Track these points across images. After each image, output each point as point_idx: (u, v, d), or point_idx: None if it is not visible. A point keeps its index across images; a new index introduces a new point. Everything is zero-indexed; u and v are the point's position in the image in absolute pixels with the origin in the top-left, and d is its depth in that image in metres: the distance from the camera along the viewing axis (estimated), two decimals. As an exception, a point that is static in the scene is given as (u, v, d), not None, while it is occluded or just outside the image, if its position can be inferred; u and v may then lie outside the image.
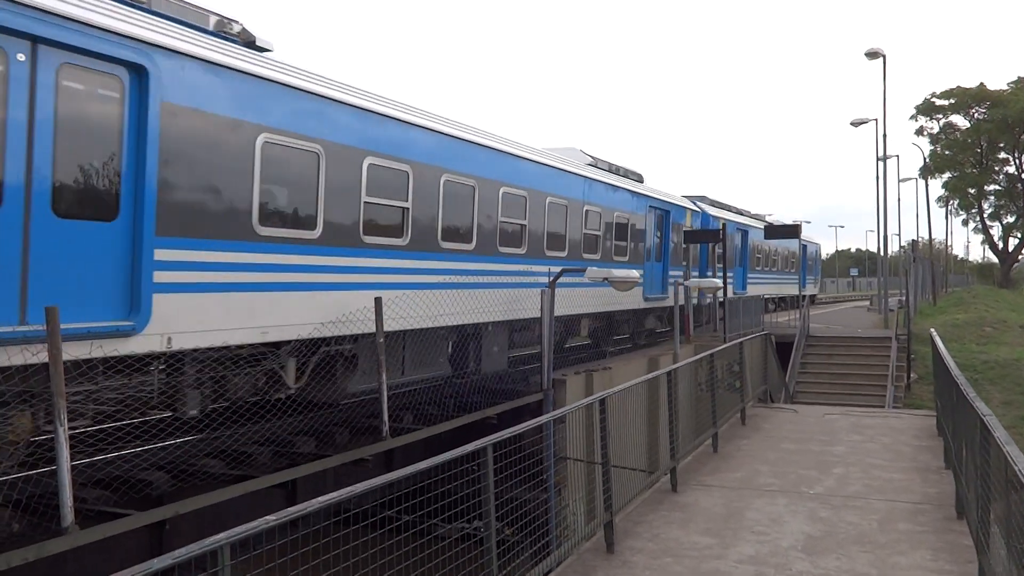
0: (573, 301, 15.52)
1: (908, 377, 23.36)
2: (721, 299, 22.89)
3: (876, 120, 35.17)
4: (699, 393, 12.69)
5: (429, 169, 11.42)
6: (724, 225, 24.26)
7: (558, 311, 13.86)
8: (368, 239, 10.14)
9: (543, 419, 8.08)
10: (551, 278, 13.58)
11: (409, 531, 6.31)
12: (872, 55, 30.13)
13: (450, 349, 12.72)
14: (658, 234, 21.46)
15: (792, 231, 29.02)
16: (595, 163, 18.08)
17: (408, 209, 10.94)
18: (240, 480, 7.92)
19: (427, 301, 11.16)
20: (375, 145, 10.25)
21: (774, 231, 30.14)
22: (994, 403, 19.11)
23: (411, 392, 11.33)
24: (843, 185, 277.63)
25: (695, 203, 25.42)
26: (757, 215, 34.74)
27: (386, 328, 9.83)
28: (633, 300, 18.94)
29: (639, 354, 19.65)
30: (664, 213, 21.79)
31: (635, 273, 14.80)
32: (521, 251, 14.13)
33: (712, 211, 26.41)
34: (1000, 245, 69.76)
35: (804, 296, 29.76)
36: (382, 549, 5.63)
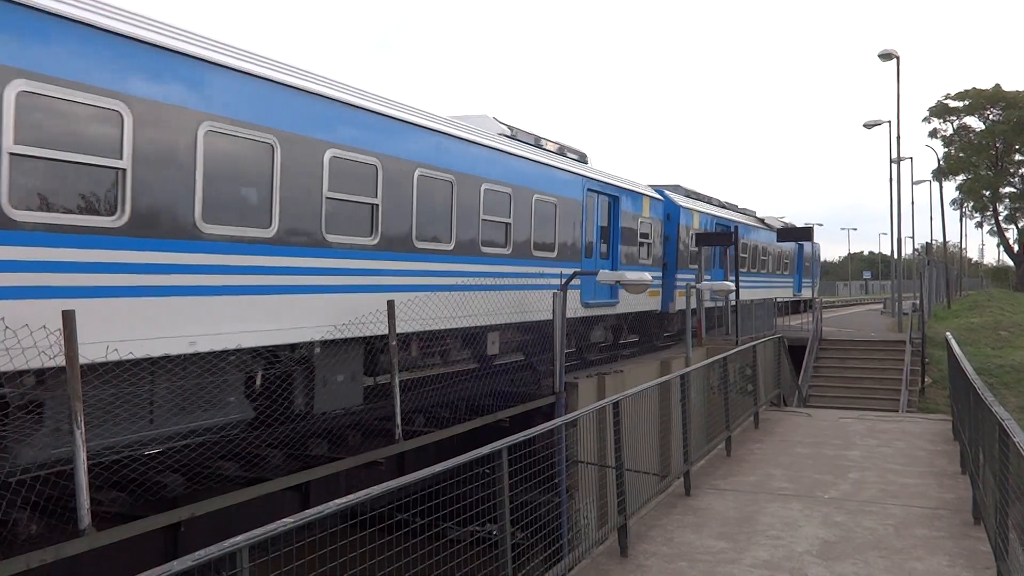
0: (438, 309, 11.38)
1: (922, 381, 23.25)
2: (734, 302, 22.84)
3: (889, 122, 35.09)
4: (712, 396, 12.67)
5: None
6: (736, 228, 24.15)
7: (418, 324, 11.00)
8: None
9: (556, 422, 8.10)
10: (563, 280, 13.55)
11: (423, 534, 6.32)
12: (886, 56, 30.03)
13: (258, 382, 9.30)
14: (603, 225, 17.80)
15: (805, 234, 28.94)
16: (512, 134, 14.72)
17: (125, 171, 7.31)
18: (254, 483, 7.97)
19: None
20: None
21: (787, 234, 30.03)
22: (1010, 407, 18.99)
23: (423, 395, 11.36)
24: (856, 187, 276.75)
25: (661, 191, 21.84)
26: (746, 210, 31.39)
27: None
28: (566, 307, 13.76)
29: (651, 357, 19.63)
30: (611, 199, 18.08)
31: (648, 276, 14.69)
32: (371, 242, 10.39)
33: (683, 202, 22.96)
34: (1016, 248, 69.35)
35: (817, 300, 29.23)
36: (397, 552, 5.65)
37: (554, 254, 15.16)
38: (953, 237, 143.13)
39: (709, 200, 26.54)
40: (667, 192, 22.35)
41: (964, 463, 11.20)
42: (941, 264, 45.75)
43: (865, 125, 36.25)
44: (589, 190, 16.97)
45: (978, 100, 63.19)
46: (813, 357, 23.88)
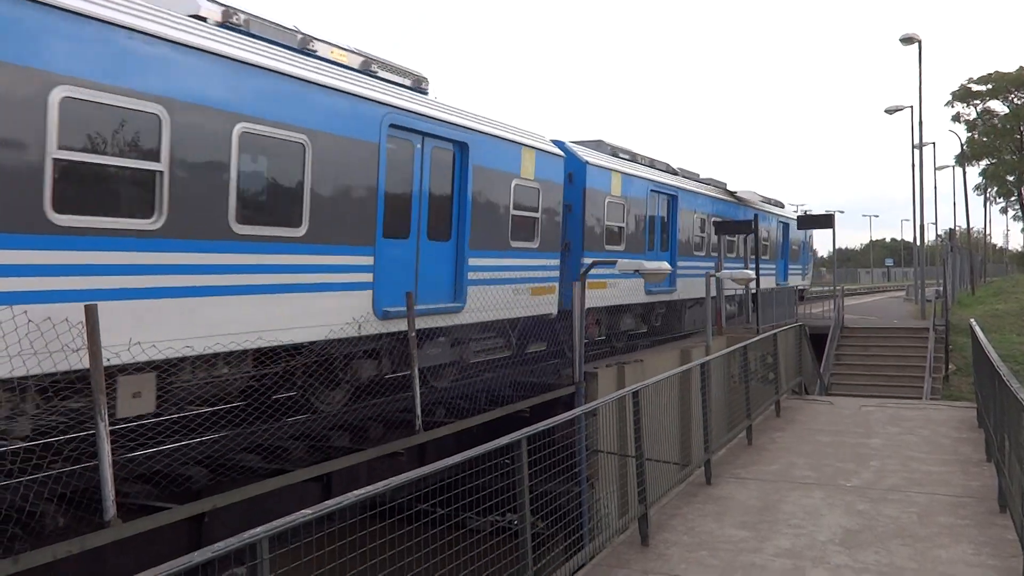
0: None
1: (946, 368, 22.96)
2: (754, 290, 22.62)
3: (911, 107, 34.53)
4: (732, 385, 12.57)
5: None
6: (756, 216, 23.79)
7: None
8: None
9: (575, 412, 8.07)
10: (583, 269, 13.50)
11: (443, 524, 6.32)
12: (907, 41, 29.59)
13: None
14: (445, 192, 11.44)
15: (825, 221, 28.58)
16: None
17: None
18: (276, 474, 8.00)
19: None
20: None
21: (807, 222, 29.70)
22: (1036, 394, 18.69)
23: (443, 387, 11.35)
24: (878, 174, 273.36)
25: (560, 144, 15.22)
26: (710, 180, 24.17)
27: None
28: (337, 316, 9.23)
29: (671, 346, 19.52)
30: (456, 148, 11.58)
31: (667, 265, 14.31)
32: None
33: (595, 159, 16.30)
34: (1040, 233, 68.26)
35: (840, 290, 28.35)
36: (417, 542, 5.65)
37: (329, 234, 9.12)
38: (977, 223, 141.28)
39: (634, 158, 18.83)
40: (571, 146, 15.65)
41: (989, 450, 11.04)
42: (965, 250, 45.14)
43: (887, 111, 35.80)
44: (392, 125, 10.18)
45: (1001, 83, 62.20)
46: (835, 345, 23.65)
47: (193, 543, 7.22)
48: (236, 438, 8.47)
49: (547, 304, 13.99)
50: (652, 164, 19.64)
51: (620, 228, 17.28)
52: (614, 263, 14.03)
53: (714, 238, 22.72)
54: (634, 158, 18.67)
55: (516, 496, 6.26)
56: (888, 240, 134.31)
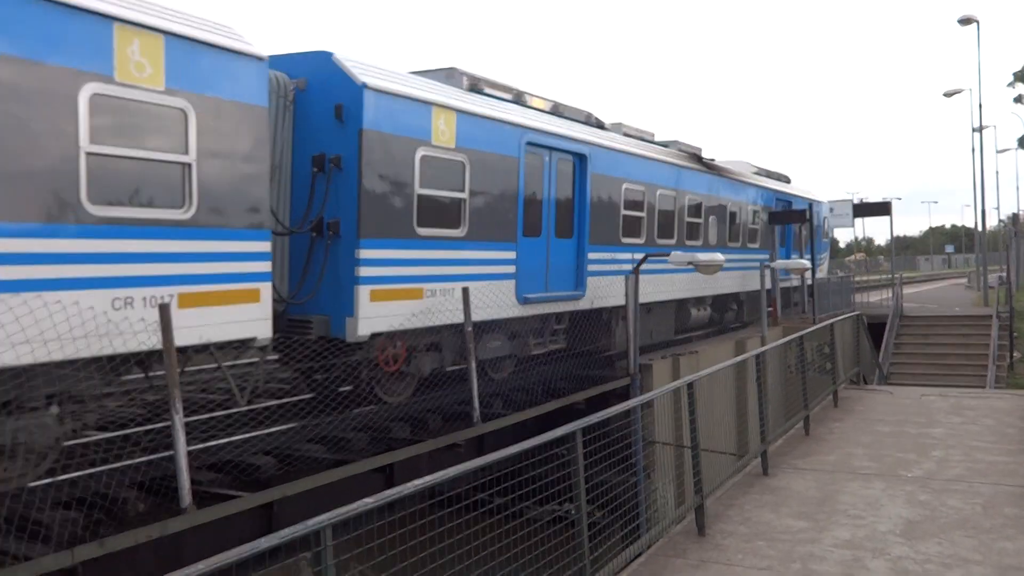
0: None
1: (1011, 356, 22.14)
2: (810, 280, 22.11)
3: (970, 90, 33.38)
4: (789, 376, 12.32)
5: None
6: (811, 205, 23.23)
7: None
8: None
9: (630, 403, 8.00)
10: (634, 264, 13.34)
11: (501, 513, 6.35)
12: (965, 21, 28.57)
13: None
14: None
15: (881, 209, 27.77)
16: None
17: None
18: (340, 464, 8.14)
19: None
20: None
21: (864, 209, 28.83)
22: (1106, 382, 17.91)
23: (500, 379, 11.39)
24: (937, 160, 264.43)
25: (324, 57, 9.37)
26: (675, 143, 17.89)
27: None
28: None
29: (726, 338, 19.22)
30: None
31: (721, 256, 13.61)
32: None
33: (389, 83, 9.48)
34: (1109, 217, 65.19)
35: (898, 278, 27.23)
36: (476, 531, 5.69)
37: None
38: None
39: (554, 109, 13.08)
40: (340, 62, 9.19)
41: (1057, 440, 10.61)
42: (1029, 236, 43.34)
43: (945, 94, 34.65)
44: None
45: (1067, 65, 59.43)
46: (894, 334, 23.02)
47: (263, 529, 7.38)
48: (302, 429, 8.64)
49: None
50: (557, 111, 13.04)
51: (455, 200, 10.38)
52: (666, 255, 13.65)
53: (689, 217, 17.01)
54: (520, 99, 12.28)
55: (573, 486, 6.25)
56: (948, 227, 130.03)
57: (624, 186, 14.32)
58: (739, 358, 10.90)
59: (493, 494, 5.93)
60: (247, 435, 8.15)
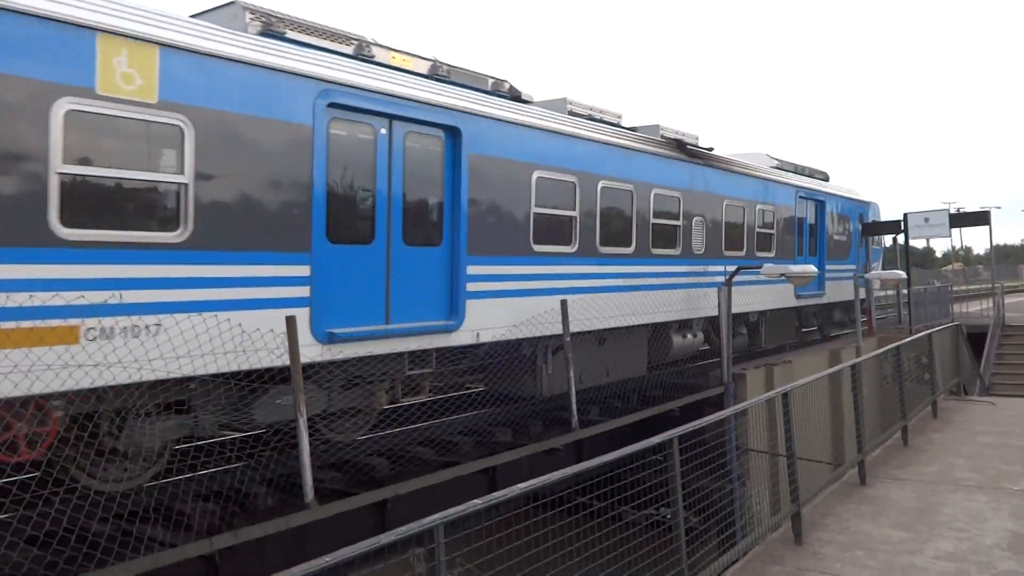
0: None
1: (1123, 368, 20.36)
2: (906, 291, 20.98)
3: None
4: (885, 386, 11.74)
5: None
6: (906, 216, 21.87)
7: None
8: None
9: (725, 412, 7.82)
10: (727, 275, 13.00)
11: (601, 517, 6.29)
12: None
13: None
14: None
15: (980, 219, 26.00)
16: None
17: None
18: (447, 466, 8.26)
19: None
20: None
21: (961, 220, 26.96)
22: None
23: (597, 387, 11.30)
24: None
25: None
26: (646, 131, 13.21)
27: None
28: None
29: (820, 348, 18.49)
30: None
31: (812, 267, 13.02)
32: None
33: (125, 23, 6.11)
34: None
35: (999, 287, 24.97)
36: (577, 533, 5.66)
37: None
38: None
39: (361, 51, 8.55)
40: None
41: None
42: None
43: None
44: None
45: None
46: (995, 344, 21.54)
47: (376, 525, 7.57)
48: (413, 432, 8.83)
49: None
50: (440, 75, 9.37)
51: (160, 188, 6.57)
52: (758, 267, 13.16)
53: (655, 218, 12.35)
54: (364, 52, 8.53)
55: (669, 492, 6.14)
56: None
57: (536, 175, 9.95)
58: (833, 368, 10.47)
59: (593, 498, 5.89)
60: (363, 436, 8.37)
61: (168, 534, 6.11)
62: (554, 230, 10.36)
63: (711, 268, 13.69)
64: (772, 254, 15.92)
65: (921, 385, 13.62)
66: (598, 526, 5.90)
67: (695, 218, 13.34)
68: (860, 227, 20.90)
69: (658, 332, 12.66)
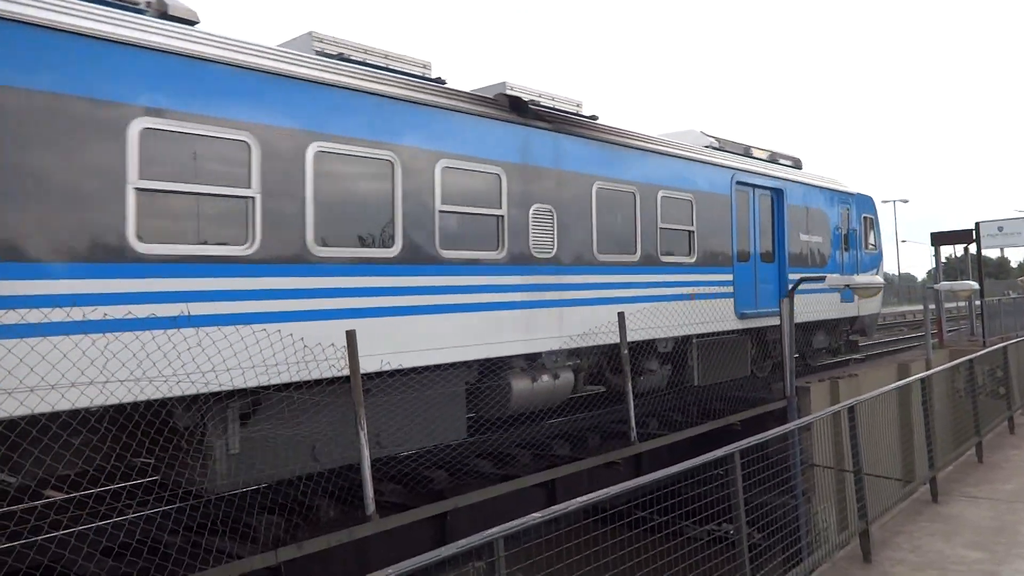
0: None
1: None
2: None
3: None
4: (957, 400, 11.30)
5: None
6: (978, 225, 21.00)
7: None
8: None
9: (789, 427, 7.64)
10: (791, 286, 12.70)
11: (662, 532, 6.21)
12: None
13: None
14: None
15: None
16: None
17: None
18: (506, 479, 8.26)
19: None
20: None
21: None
22: None
23: (656, 399, 11.18)
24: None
25: None
26: (427, 78, 8.80)
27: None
28: None
29: (887, 360, 17.92)
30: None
31: (881, 279, 12.69)
32: None
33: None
34: None
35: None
36: (638, 548, 5.59)
37: None
38: None
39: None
40: None
41: None
42: None
43: None
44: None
45: None
46: (1077, 356, 20.53)
47: (435, 537, 7.60)
48: (471, 445, 8.86)
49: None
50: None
51: None
52: (822, 279, 12.78)
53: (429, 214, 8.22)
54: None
55: (732, 507, 6.02)
56: None
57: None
58: (902, 382, 10.13)
59: (653, 512, 5.82)
60: (422, 449, 8.44)
61: (235, 546, 6.26)
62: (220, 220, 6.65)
63: (571, 279, 9.70)
64: (691, 260, 11.68)
65: (996, 399, 13.06)
66: (659, 541, 5.82)
67: (536, 206, 9.31)
68: (848, 225, 16.38)
69: (487, 373, 8.99)
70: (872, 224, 17.53)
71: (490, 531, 4.09)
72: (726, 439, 6.45)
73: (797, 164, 15.57)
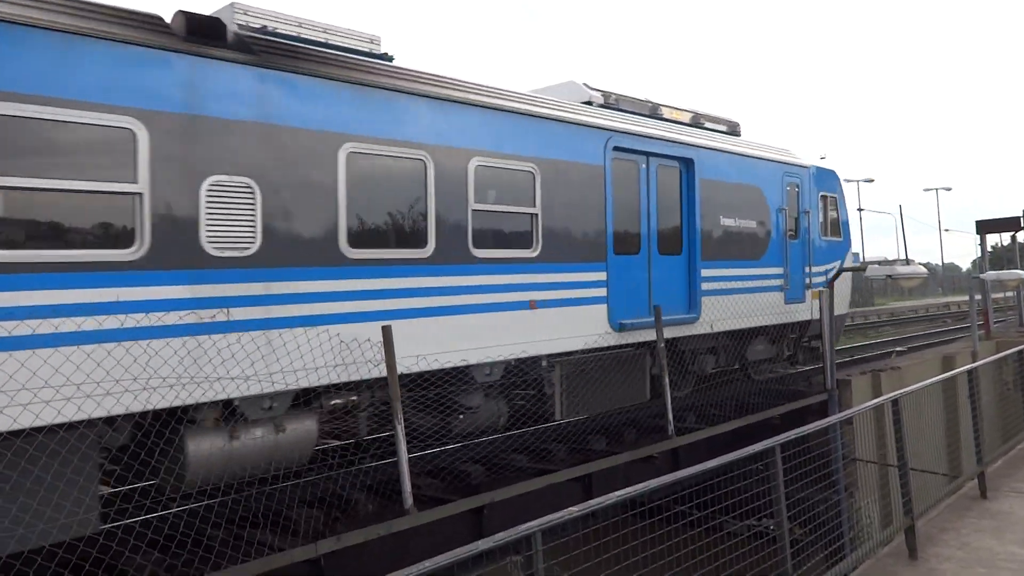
0: None
1: None
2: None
3: None
4: (1006, 393, 11.01)
5: None
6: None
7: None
8: None
9: (830, 420, 7.51)
10: (830, 275, 12.46)
11: (701, 526, 6.14)
12: None
13: None
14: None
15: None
16: None
17: None
18: (543, 473, 8.25)
19: None
20: None
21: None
22: None
23: (693, 393, 11.06)
24: None
25: None
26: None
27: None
28: None
29: (931, 352, 17.52)
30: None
31: (923, 269, 12.51)
32: None
33: None
34: None
35: None
36: (676, 543, 5.54)
37: None
38: None
39: None
40: None
41: None
42: None
43: None
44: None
45: None
46: None
47: (472, 531, 7.62)
48: (507, 439, 8.86)
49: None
50: None
51: None
52: (863, 268, 12.64)
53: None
54: None
55: (772, 502, 5.93)
56: None
57: None
58: (947, 374, 9.89)
59: (692, 506, 5.76)
60: (459, 444, 8.47)
61: (276, 538, 6.34)
62: None
63: (304, 286, 6.66)
64: (531, 253, 8.53)
65: (1047, 392, 12.68)
66: (698, 536, 5.76)
67: (212, 179, 6.11)
68: (798, 206, 13.01)
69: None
70: (835, 205, 14.02)
71: (528, 524, 4.08)
72: (765, 434, 6.35)
73: (733, 130, 12.41)
